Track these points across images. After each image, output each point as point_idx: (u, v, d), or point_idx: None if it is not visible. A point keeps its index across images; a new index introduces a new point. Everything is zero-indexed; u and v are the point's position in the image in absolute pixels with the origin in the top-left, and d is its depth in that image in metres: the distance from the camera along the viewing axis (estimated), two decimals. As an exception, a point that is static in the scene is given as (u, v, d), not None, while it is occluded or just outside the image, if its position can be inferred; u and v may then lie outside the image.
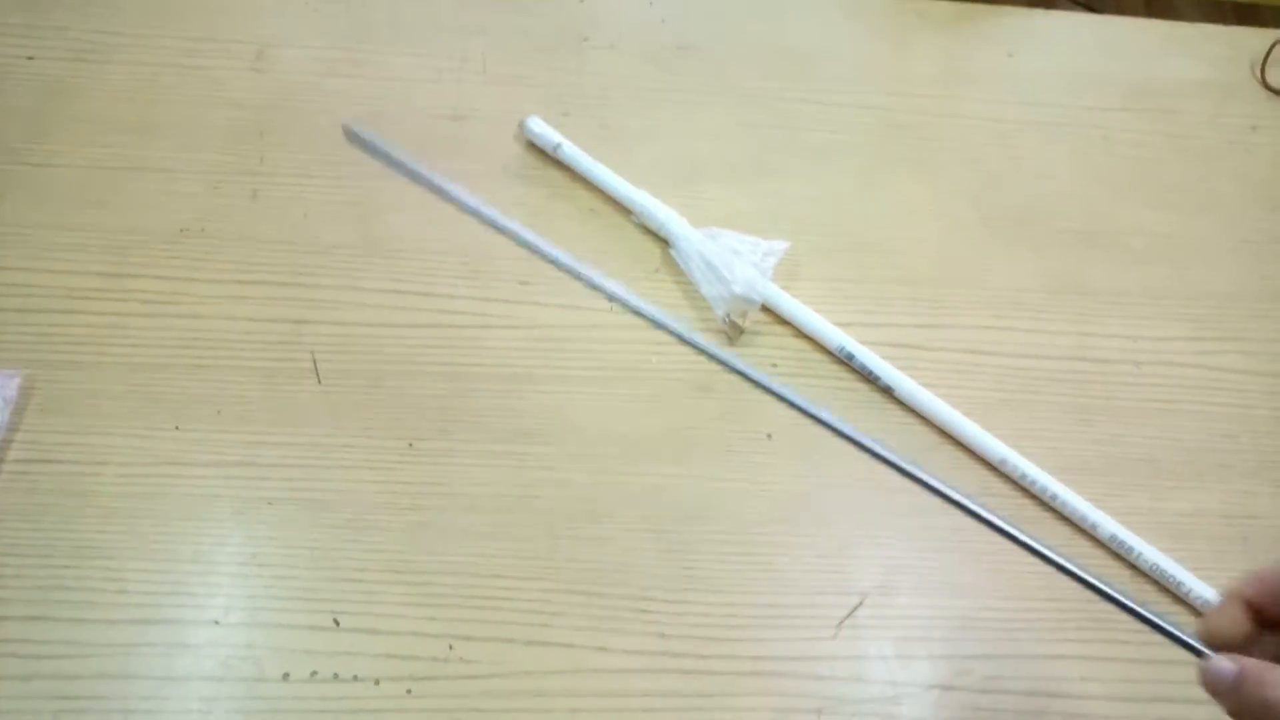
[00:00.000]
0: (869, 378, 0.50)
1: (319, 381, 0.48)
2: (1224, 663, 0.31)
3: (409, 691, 0.40)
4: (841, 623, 0.43)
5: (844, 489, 0.47)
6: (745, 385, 0.50)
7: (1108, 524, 0.46)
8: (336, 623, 0.41)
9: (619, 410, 0.48)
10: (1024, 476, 0.47)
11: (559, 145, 0.56)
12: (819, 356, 0.51)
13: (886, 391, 0.50)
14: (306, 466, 0.45)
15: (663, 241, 0.54)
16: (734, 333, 0.51)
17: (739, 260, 0.51)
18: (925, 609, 0.44)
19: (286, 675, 0.40)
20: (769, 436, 0.48)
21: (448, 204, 0.55)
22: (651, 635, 0.42)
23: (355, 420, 0.47)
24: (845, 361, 0.51)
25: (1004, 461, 0.47)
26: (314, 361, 0.48)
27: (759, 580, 0.44)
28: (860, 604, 0.44)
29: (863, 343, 0.50)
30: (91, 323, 0.48)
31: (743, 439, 0.48)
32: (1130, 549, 0.45)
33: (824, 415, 0.37)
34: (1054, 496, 0.46)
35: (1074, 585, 0.45)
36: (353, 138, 0.42)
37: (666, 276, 0.53)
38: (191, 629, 0.41)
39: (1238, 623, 0.32)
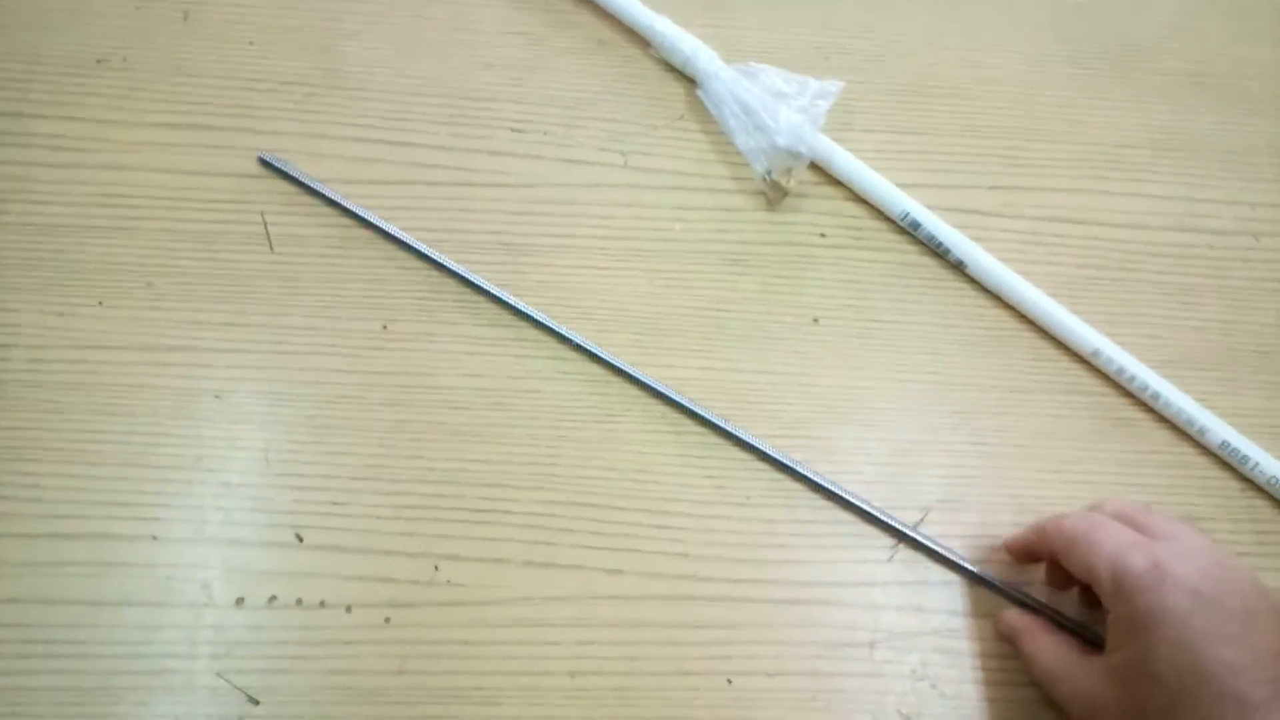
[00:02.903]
0: (937, 250, 0.42)
1: (271, 249, 0.39)
2: (1007, 615, 0.34)
3: (387, 620, 0.34)
4: (899, 543, 0.36)
5: (904, 384, 0.39)
6: (788, 259, 0.42)
7: (1219, 428, 0.38)
8: (299, 539, 0.35)
9: (635, 288, 0.40)
10: (1120, 371, 0.39)
11: (562, -41, 0.45)
12: (877, 224, 0.42)
13: (957, 267, 0.41)
14: (259, 352, 0.37)
15: (688, 80, 0.45)
16: (776, 195, 0.42)
17: (783, 104, 0.42)
18: (997, 526, 0.37)
19: (240, 600, 0.34)
20: (815, 321, 0.40)
21: (426, 31, 0.46)
22: (674, 556, 0.36)
23: (317, 297, 0.39)
24: (909, 231, 0.42)
25: (1096, 353, 0.39)
26: (265, 224, 0.40)
27: (800, 493, 0.37)
28: (922, 520, 0.37)
29: (929, 207, 0.42)
30: (-13, 173, 0.39)
31: (784, 324, 0.40)
32: (1245, 458, 0.38)
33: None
34: (1155, 395, 0.39)
35: (1175, 496, 0.39)
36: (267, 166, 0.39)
37: (693, 124, 0.44)
38: (124, 545, 0.34)
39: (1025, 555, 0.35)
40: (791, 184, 0.42)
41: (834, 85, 0.42)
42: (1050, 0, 0.49)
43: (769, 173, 0.42)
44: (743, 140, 0.42)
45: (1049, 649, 0.32)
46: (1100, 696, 0.29)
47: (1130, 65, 0.48)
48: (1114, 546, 0.30)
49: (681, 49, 0.44)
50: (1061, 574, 0.34)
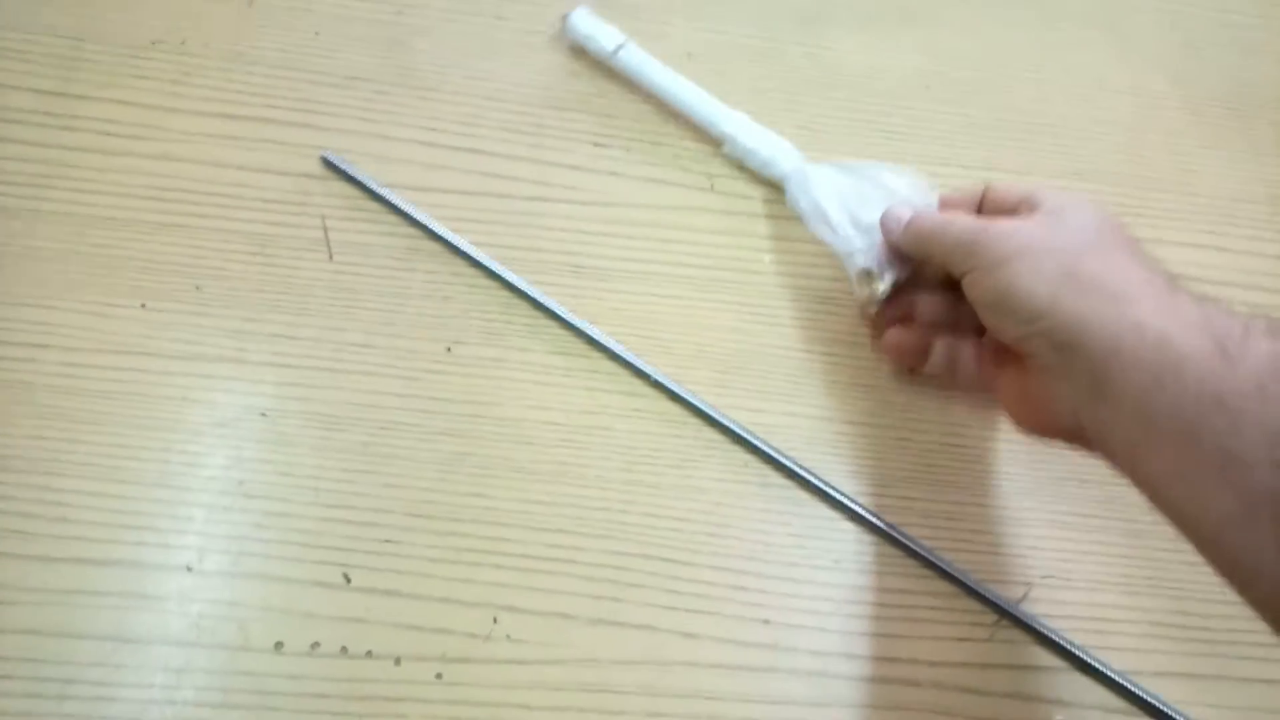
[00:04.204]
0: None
1: (330, 257, 0.36)
2: (901, 209, 0.35)
3: (439, 676, 0.31)
4: (1000, 620, 0.33)
5: (1009, 445, 0.36)
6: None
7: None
8: (346, 579, 0.32)
9: (718, 321, 0.37)
10: (1243, 446, 0.36)
11: (621, 47, 0.40)
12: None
13: (1065, 320, 0.38)
14: (312, 369, 0.34)
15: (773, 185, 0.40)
16: (868, 301, 0.36)
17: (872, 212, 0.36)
18: (1108, 608, 0.34)
19: (279, 645, 0.30)
20: (912, 370, 0.37)
21: (501, 33, 0.43)
22: (753, 621, 0.32)
23: (377, 312, 0.35)
24: (1014, 277, 0.39)
25: (1217, 424, 0.36)
26: (325, 230, 0.37)
27: (894, 558, 0.34)
28: (1025, 596, 0.34)
29: (1036, 254, 0.39)
30: (29, 156, 0.36)
31: (879, 372, 0.37)
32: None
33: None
34: None
35: None
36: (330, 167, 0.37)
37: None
38: (155, 576, 0.31)
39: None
40: (881, 288, 0.36)
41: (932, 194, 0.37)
42: (1162, 39, 0.46)
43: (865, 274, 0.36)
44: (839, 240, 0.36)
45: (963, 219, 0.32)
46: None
47: (1247, 114, 0.45)
48: None
49: (760, 154, 0.39)
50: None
